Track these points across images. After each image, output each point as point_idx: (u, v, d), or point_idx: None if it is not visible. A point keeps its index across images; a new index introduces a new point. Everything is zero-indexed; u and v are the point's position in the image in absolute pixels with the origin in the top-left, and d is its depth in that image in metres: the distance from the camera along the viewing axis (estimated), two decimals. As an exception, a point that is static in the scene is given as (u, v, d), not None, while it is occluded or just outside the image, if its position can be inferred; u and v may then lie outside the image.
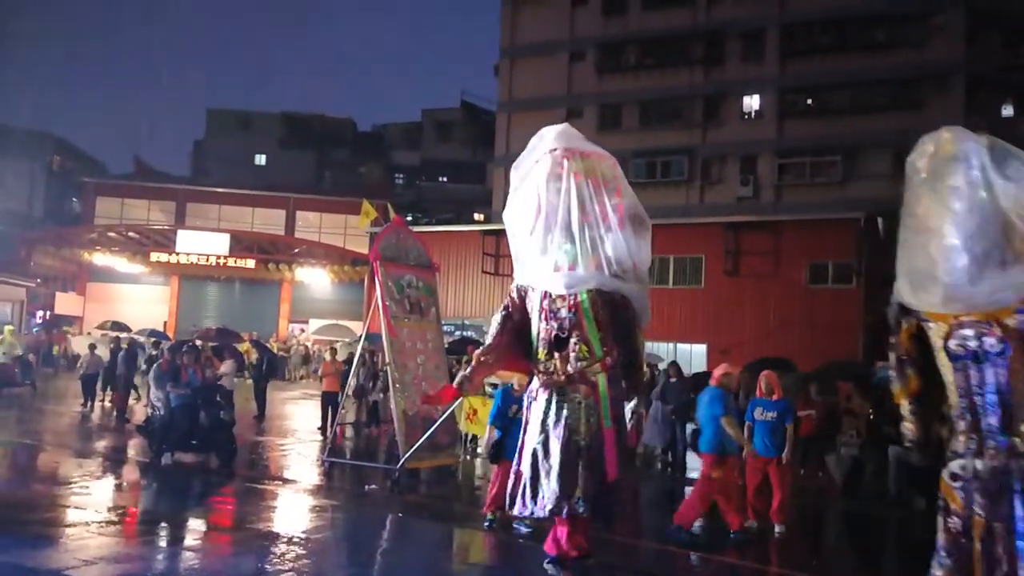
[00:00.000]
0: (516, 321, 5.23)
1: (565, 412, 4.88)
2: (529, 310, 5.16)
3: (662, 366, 17.06)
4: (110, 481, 10.09)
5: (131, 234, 38.29)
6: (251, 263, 37.98)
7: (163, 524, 7.69)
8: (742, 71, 31.42)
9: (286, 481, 10.43)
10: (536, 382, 5.12)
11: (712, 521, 8.11)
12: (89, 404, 17.22)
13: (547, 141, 5.13)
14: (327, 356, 17.43)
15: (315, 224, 43.39)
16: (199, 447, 10.84)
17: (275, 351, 27.53)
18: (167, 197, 44.25)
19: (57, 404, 18.18)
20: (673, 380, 13.53)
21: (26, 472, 10.24)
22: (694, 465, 13.88)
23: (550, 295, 4.98)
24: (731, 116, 31.88)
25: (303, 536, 7.23)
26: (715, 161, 31.74)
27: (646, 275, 5.11)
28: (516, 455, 5.62)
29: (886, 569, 8.36)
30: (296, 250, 38.66)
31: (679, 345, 24.98)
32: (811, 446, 12.13)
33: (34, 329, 33.69)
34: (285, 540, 6.95)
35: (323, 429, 14.91)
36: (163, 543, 6.99)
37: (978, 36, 29.04)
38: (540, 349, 5.03)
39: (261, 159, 53.68)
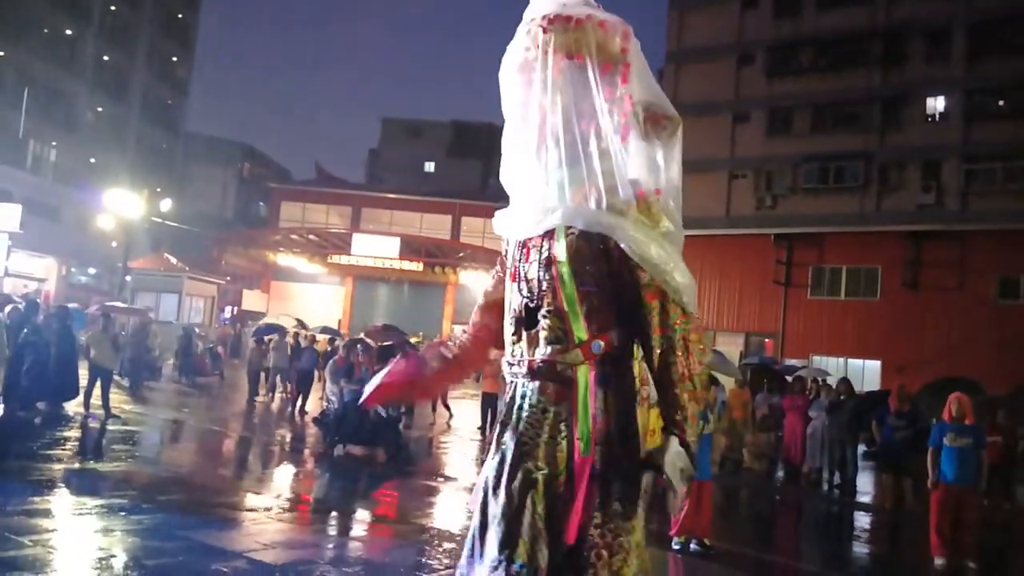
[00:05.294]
0: (503, 294, 3.24)
1: (522, 425, 2.89)
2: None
3: (831, 381, 16.28)
4: (287, 469, 10.82)
5: (311, 237, 40.84)
6: (419, 266, 39.52)
7: (333, 513, 8.18)
8: (925, 71, 29.35)
9: (447, 478, 10.79)
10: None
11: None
12: (271, 395, 18.56)
13: (530, 14, 3.09)
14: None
15: (479, 229, 44.53)
16: (368, 440, 11.45)
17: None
18: (344, 202, 46.87)
19: (243, 393, 19.65)
20: (843, 398, 12.88)
21: (213, 457, 11.16)
22: (865, 489, 13.19)
23: (525, 246, 3.10)
24: (912, 119, 29.86)
25: (463, 534, 7.45)
26: (893, 166, 29.82)
27: (677, 208, 2.99)
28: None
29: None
30: (461, 254, 39.87)
31: (851, 360, 23.72)
32: (995, 475, 11.21)
33: (223, 322, 36.62)
34: (445, 536, 7.20)
35: (483, 429, 15.27)
36: (332, 531, 7.42)
37: None
38: (509, 329, 3.09)
39: (430, 166, 55.78)
